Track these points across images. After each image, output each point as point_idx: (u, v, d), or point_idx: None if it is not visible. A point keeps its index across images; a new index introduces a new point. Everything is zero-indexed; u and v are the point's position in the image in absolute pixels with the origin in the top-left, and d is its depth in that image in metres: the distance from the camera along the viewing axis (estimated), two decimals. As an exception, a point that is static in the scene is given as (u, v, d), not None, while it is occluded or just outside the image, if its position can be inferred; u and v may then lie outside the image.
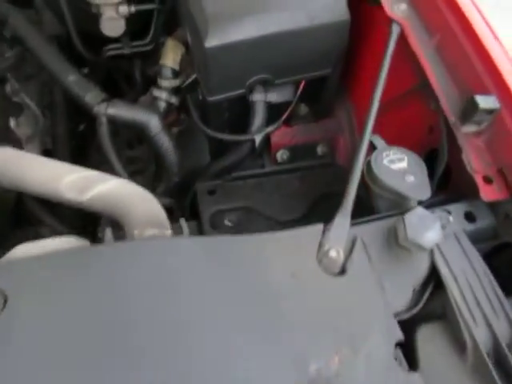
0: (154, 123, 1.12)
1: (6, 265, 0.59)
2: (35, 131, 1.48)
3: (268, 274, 0.62)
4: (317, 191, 1.26)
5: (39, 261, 0.57)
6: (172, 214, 1.13)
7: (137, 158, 1.55)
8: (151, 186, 1.41)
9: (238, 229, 1.19)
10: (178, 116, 1.35)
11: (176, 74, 1.15)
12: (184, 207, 1.33)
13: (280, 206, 1.23)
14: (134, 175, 1.43)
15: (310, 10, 0.97)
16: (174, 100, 1.18)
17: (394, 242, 0.69)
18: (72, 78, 1.13)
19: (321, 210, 1.23)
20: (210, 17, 0.95)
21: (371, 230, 0.70)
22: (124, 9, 1.21)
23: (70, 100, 1.43)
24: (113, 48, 1.40)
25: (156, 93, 1.16)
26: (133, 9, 1.23)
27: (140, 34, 1.41)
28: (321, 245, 0.67)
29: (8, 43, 1.25)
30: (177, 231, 0.84)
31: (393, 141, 0.84)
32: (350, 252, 0.67)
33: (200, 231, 1.18)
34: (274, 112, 1.14)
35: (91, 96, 1.12)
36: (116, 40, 1.47)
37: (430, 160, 0.89)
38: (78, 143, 1.55)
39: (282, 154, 1.26)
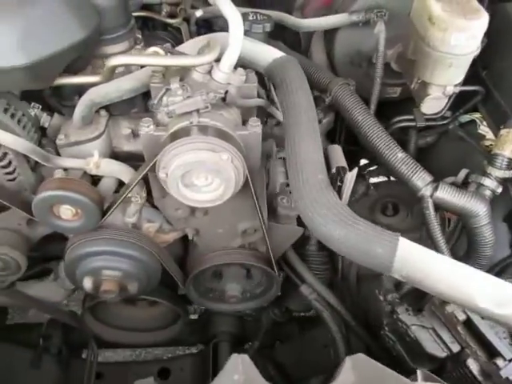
0: (484, 214, 1.06)
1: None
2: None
3: None
4: None
5: None
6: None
7: (390, 227, 1.50)
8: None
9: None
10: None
11: (511, 165, 1.09)
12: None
13: None
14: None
15: None
16: (499, 190, 1.11)
17: None
18: (400, 156, 1.11)
19: None
20: None
21: None
22: (451, 89, 1.18)
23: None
24: (403, 120, 1.39)
25: (486, 182, 1.10)
26: (457, 89, 1.20)
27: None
28: None
29: (324, 110, 1.28)
30: None
31: None
32: None
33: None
34: None
35: (418, 177, 1.09)
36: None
37: None
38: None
39: None
